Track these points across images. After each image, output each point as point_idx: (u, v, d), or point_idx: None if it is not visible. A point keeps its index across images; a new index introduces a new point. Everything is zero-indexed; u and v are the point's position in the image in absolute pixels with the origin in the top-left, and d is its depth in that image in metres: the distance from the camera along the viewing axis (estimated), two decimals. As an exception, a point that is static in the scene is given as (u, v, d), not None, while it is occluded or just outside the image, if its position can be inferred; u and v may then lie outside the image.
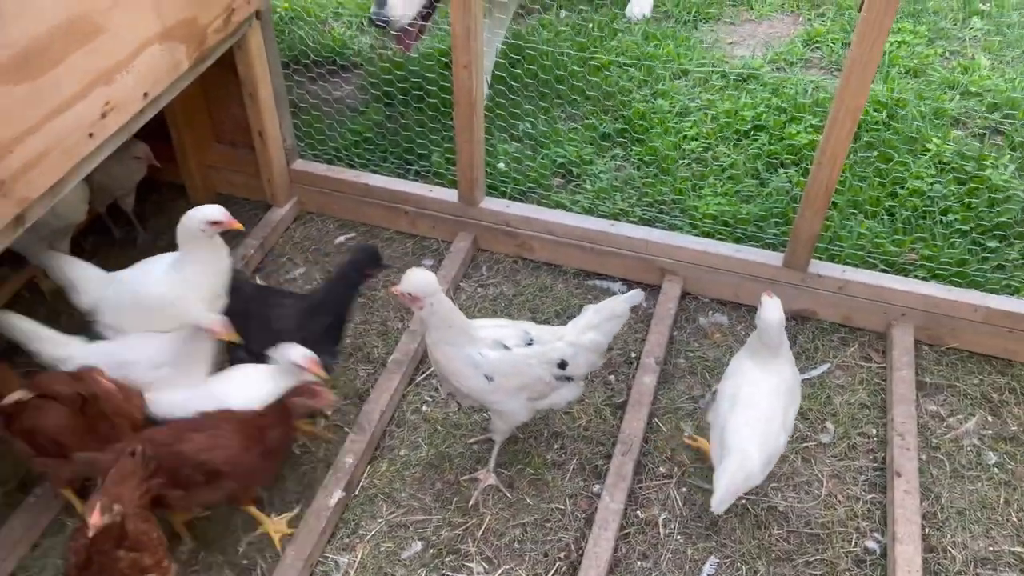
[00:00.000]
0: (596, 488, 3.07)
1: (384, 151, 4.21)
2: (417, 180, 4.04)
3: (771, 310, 2.77)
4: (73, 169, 2.69)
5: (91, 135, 2.72)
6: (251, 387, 2.85)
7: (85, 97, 2.65)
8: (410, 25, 3.91)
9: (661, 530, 2.96)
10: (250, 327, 2.99)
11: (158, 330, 2.99)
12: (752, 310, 3.62)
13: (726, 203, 3.92)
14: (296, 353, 2.81)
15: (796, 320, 3.61)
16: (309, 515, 2.90)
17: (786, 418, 2.81)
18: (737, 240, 3.73)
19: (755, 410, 2.75)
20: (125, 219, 4.10)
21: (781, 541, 2.91)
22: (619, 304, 2.93)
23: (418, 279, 2.67)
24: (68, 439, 2.66)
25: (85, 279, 3.18)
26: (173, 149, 4.07)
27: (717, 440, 2.79)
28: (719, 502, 2.63)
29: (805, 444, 3.18)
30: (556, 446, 3.21)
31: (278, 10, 5.03)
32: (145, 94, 2.91)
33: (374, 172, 4.05)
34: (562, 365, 2.83)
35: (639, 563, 2.87)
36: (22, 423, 2.70)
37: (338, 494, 2.94)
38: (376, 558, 2.86)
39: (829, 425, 3.24)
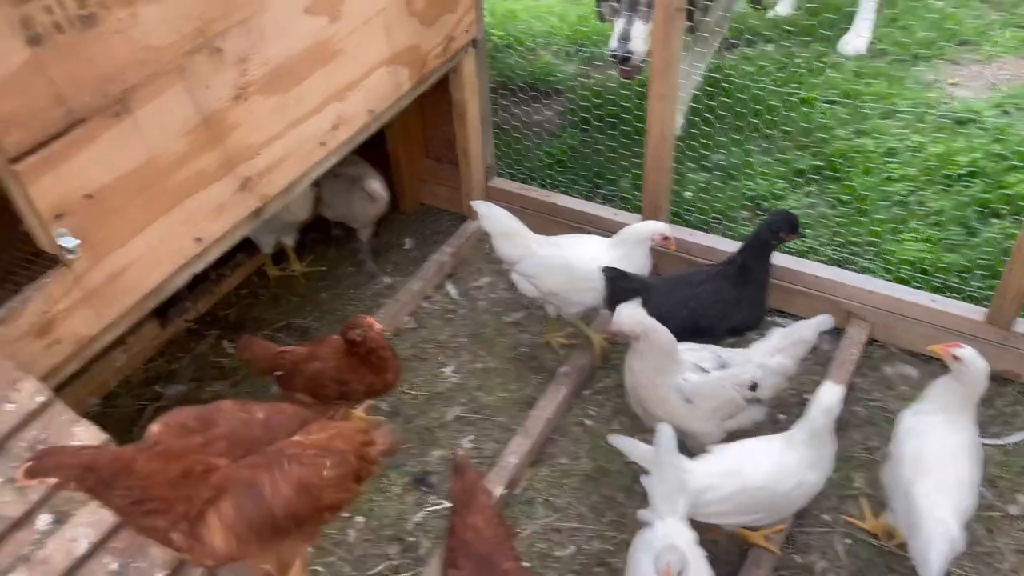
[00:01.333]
0: (753, 525, 3.03)
1: (575, 174, 4.40)
2: (603, 203, 4.18)
3: (979, 358, 2.63)
4: (306, 172, 3.09)
5: (323, 144, 3.11)
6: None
7: (321, 111, 3.05)
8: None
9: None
10: (678, 309, 3.16)
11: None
12: (944, 365, 3.42)
13: (927, 250, 3.72)
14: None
15: (995, 381, 3.34)
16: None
17: (973, 480, 2.62)
18: (935, 290, 3.53)
19: (944, 473, 2.58)
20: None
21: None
22: (807, 328, 2.93)
23: (627, 315, 2.82)
24: (348, 375, 3.06)
25: (523, 235, 3.54)
26: (387, 160, 4.50)
27: (901, 506, 2.63)
28: None
29: (990, 513, 2.95)
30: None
31: (492, 38, 5.40)
32: (371, 111, 3.29)
33: (564, 193, 4.24)
34: (753, 387, 2.86)
35: (790, 605, 2.80)
36: (304, 374, 3.10)
37: (500, 490, 3.12)
38: (530, 557, 3.01)
39: (1020, 497, 2.98)
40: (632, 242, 3.37)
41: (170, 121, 2.49)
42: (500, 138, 4.50)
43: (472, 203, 3.65)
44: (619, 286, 3.22)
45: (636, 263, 3.36)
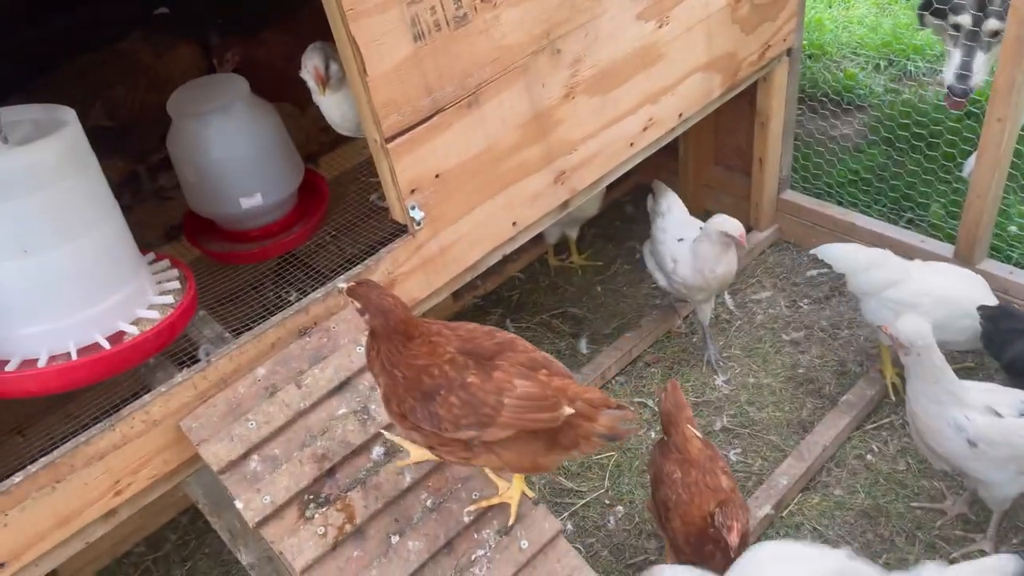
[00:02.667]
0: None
1: (878, 194, 4.15)
2: (909, 228, 3.91)
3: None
4: (612, 170, 3.23)
5: (631, 144, 3.23)
6: None
7: (635, 112, 3.16)
8: None
9: None
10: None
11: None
12: None
13: None
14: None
15: None
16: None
17: None
18: None
19: None
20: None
21: None
22: None
23: (911, 326, 2.67)
24: None
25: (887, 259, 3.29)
26: (675, 163, 4.54)
27: None
28: None
29: None
30: (1015, 540, 2.90)
31: (796, 47, 5.23)
32: (680, 115, 3.35)
33: (862, 213, 4.02)
34: None
35: None
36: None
37: (767, 509, 3.06)
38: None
39: None
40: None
41: (509, 114, 2.73)
42: (798, 150, 4.36)
43: (814, 251, 3.46)
44: (1002, 327, 2.98)
45: None
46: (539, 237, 4.42)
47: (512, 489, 2.23)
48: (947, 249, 3.62)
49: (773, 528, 3.09)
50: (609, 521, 3.25)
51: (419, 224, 2.63)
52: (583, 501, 3.34)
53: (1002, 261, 3.58)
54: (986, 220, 3.39)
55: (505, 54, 2.61)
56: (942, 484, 3.10)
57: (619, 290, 4.34)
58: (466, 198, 2.75)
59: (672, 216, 3.71)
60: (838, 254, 3.35)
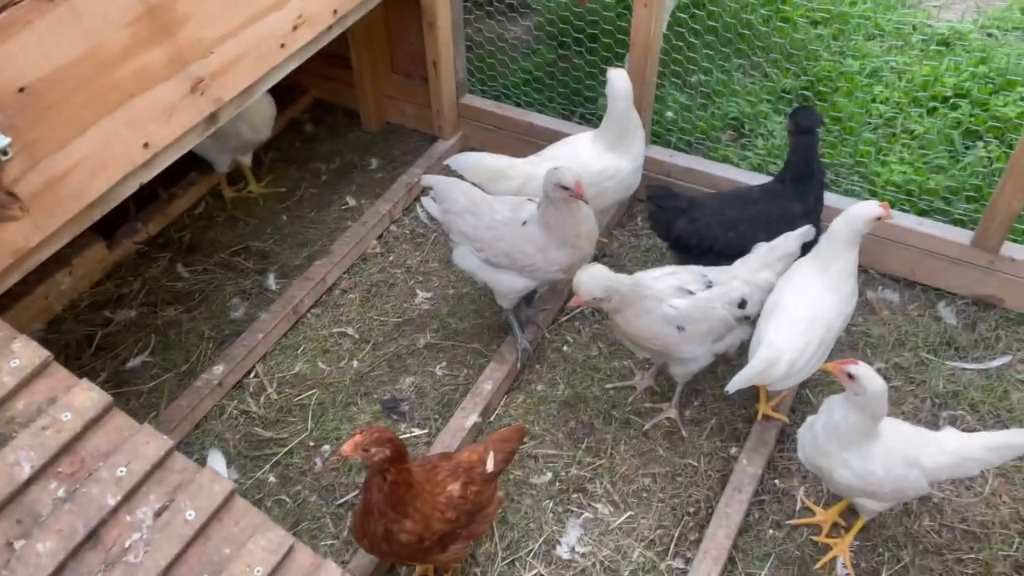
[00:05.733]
0: (733, 450, 2.97)
1: (552, 92, 4.18)
2: (582, 123, 3.99)
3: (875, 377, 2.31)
4: (264, 77, 2.84)
5: (282, 45, 2.85)
6: None
7: (281, 7, 2.78)
8: None
9: (799, 503, 2.83)
10: (725, 230, 3.02)
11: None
12: (928, 289, 3.36)
13: (912, 172, 3.62)
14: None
15: (978, 306, 3.31)
16: (444, 433, 2.98)
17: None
18: (921, 213, 3.44)
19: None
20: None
21: (931, 533, 2.71)
22: (790, 242, 2.83)
23: (593, 282, 2.58)
24: None
25: (512, 163, 3.30)
26: (351, 75, 4.22)
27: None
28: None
29: (973, 436, 2.92)
30: (696, 403, 3.12)
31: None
32: (335, 11, 3.02)
33: (540, 112, 4.03)
34: (742, 304, 2.76)
35: (771, 531, 2.76)
36: None
37: (474, 417, 3.00)
38: (505, 483, 2.91)
39: (1001, 422, 2.96)
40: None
41: (111, 8, 2.23)
42: (472, 52, 4.24)
43: (447, 162, 3.38)
44: (664, 205, 3.06)
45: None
46: (209, 167, 3.94)
47: None
48: (616, 139, 3.74)
49: (483, 435, 3.05)
50: (316, 464, 3.00)
51: (6, 154, 2.07)
52: (285, 449, 3.05)
53: (662, 146, 3.78)
54: (644, 107, 3.52)
55: (90, -70, 2.10)
56: (630, 363, 3.24)
57: (306, 216, 3.99)
58: (72, 116, 2.23)
59: (485, 204, 3.00)
60: (469, 164, 3.30)
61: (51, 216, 2.27)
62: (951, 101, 3.96)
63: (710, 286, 2.74)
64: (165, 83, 2.46)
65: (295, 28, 2.87)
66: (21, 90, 2.08)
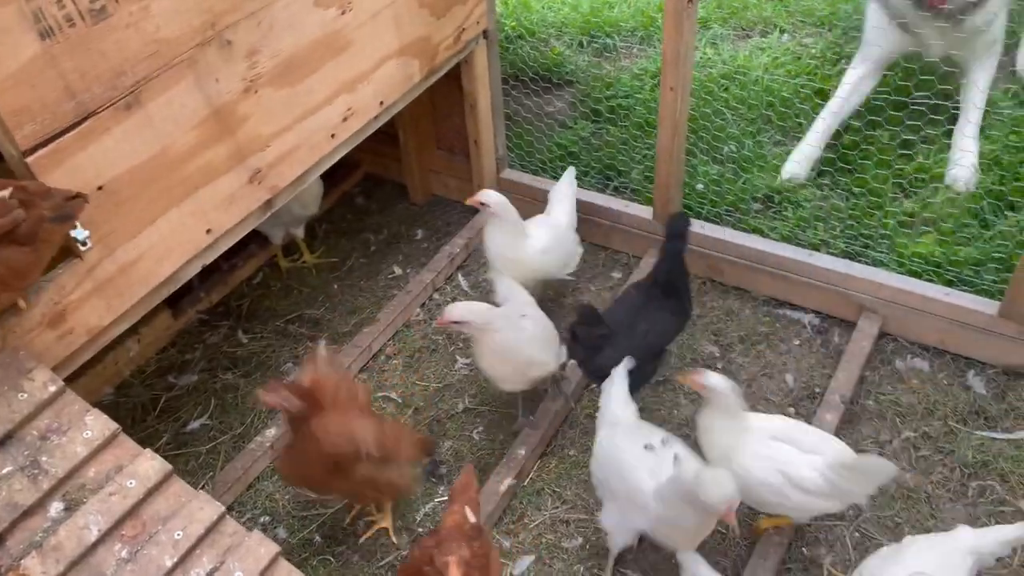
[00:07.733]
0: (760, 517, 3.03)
1: (587, 165, 4.38)
2: (614, 195, 4.17)
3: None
4: (315, 164, 3.10)
5: (333, 135, 3.12)
6: None
7: (331, 103, 3.05)
8: None
9: (826, 571, 2.87)
10: (640, 339, 3.09)
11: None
12: (957, 358, 3.40)
13: (940, 243, 3.68)
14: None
15: (1008, 376, 3.32)
16: (479, 497, 3.11)
17: None
18: (947, 283, 3.50)
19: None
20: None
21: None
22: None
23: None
24: None
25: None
26: (399, 151, 4.50)
27: None
28: None
29: (1001, 509, 2.93)
30: (725, 470, 3.19)
31: (505, 29, 5.38)
32: (381, 102, 3.29)
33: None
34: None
35: (798, 600, 2.80)
36: None
37: (508, 482, 3.14)
38: (536, 547, 3.02)
39: (1033, 492, 2.96)
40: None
41: (181, 113, 2.51)
42: (512, 130, 4.48)
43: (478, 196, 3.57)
44: (590, 332, 3.06)
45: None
46: (266, 239, 4.23)
47: None
48: (647, 211, 3.91)
49: (517, 499, 3.17)
50: (359, 525, 3.16)
51: (85, 244, 2.34)
52: (332, 509, 3.23)
53: (692, 218, 3.91)
54: (674, 182, 3.69)
55: (164, 48, 2.39)
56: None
57: (356, 285, 4.24)
58: (143, 209, 2.50)
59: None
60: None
61: (123, 297, 2.53)
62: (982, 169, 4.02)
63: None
64: (226, 175, 2.73)
65: (344, 119, 3.14)
66: (100, 188, 2.35)
